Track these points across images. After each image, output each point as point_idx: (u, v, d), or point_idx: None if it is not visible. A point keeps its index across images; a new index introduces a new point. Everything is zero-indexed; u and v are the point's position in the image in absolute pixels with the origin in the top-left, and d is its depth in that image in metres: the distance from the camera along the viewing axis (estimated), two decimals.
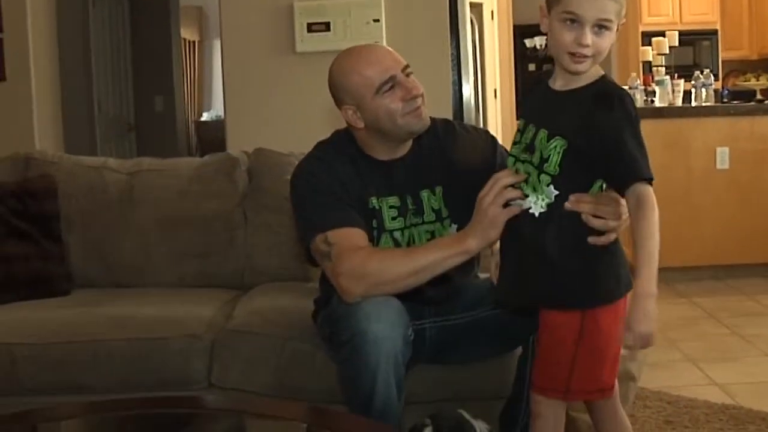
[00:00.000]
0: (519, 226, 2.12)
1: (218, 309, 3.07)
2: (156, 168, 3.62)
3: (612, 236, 2.04)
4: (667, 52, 6.52)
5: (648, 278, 1.91)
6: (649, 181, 1.96)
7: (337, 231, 2.36)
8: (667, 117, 5.70)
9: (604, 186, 2.06)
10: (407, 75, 2.44)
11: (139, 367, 2.79)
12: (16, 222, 3.37)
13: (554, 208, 2.04)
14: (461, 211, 2.49)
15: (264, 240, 3.46)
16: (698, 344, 4.33)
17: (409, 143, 2.53)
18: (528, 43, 12.02)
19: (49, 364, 2.80)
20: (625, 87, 6.71)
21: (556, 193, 2.03)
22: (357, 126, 2.47)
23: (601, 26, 1.96)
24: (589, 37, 1.95)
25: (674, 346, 4.29)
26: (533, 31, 12.29)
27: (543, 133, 2.05)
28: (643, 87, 6.33)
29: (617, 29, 2.00)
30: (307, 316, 2.75)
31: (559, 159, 2.02)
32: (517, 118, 2.26)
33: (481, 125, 6.67)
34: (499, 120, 9.08)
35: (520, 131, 2.14)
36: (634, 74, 6.72)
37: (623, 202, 2.02)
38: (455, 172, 2.52)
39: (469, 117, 5.54)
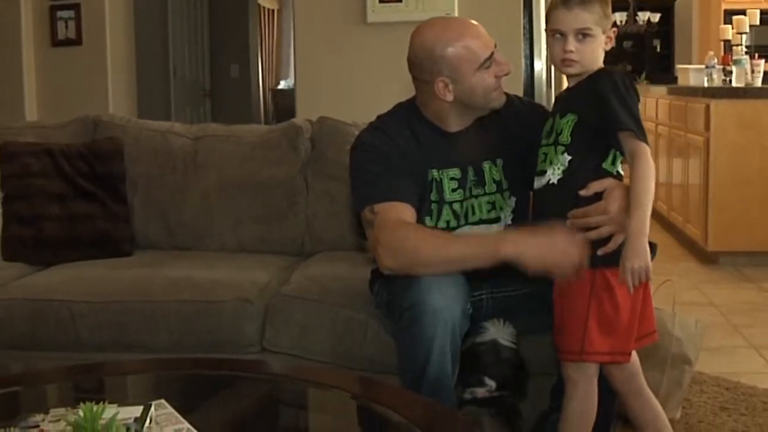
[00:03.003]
0: (542, 200, 2.36)
1: (275, 274, 3.11)
2: (221, 133, 3.66)
3: (603, 231, 2.22)
4: (747, 30, 6.35)
5: (637, 218, 2.15)
6: (637, 136, 2.19)
7: (385, 204, 2.37)
8: (742, 98, 5.55)
9: (617, 160, 2.28)
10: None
11: (193, 328, 2.84)
12: (83, 183, 3.45)
13: (568, 174, 2.27)
14: (519, 183, 2.55)
15: (324, 208, 3.48)
16: (763, 331, 4.22)
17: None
18: None
19: (107, 322, 2.87)
20: (702, 66, 6.60)
21: (569, 158, 2.27)
22: (445, 99, 2.44)
23: (583, 35, 2.25)
24: (571, 45, 2.25)
25: (737, 331, 4.21)
26: (614, 6, 12.13)
27: (558, 116, 2.33)
28: (720, 66, 6.18)
29: (608, 34, 2.29)
30: (363, 285, 2.76)
31: (570, 130, 2.27)
32: None
33: (552, 101, 6.58)
34: None
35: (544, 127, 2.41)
36: (711, 53, 6.56)
37: (611, 207, 2.21)
38: (514, 145, 2.53)
39: (540, 92, 5.46)
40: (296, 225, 3.49)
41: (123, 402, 1.71)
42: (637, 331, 2.26)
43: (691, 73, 6.75)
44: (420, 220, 2.44)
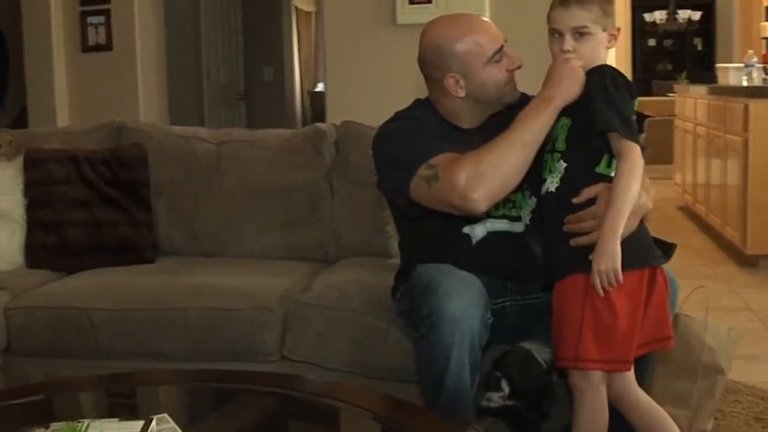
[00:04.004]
0: (543, 209, 2.34)
1: (296, 281, 3.07)
2: (245, 139, 3.63)
3: (594, 235, 2.17)
4: None
5: (611, 219, 2.12)
6: (623, 135, 2.15)
7: (438, 156, 2.31)
8: None
9: (612, 163, 2.22)
10: None
11: (212, 336, 2.82)
12: (106, 189, 3.44)
13: (565, 180, 2.25)
14: (536, 181, 2.49)
15: (348, 213, 3.43)
16: None
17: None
18: (648, 17, 11.70)
19: (126, 330, 2.86)
20: (741, 65, 6.45)
21: (565, 165, 2.25)
22: (457, 95, 2.44)
23: (580, 33, 2.22)
24: (568, 44, 2.23)
25: None
26: (654, 4, 11.96)
27: (555, 121, 2.27)
28: (761, 65, 6.05)
29: (610, 32, 2.27)
30: (385, 292, 2.71)
31: (565, 135, 2.26)
32: None
33: None
34: None
35: None
36: (750, 51, 6.43)
37: (602, 212, 2.16)
38: None
39: None
40: (320, 230, 3.44)
41: (139, 415, 1.69)
42: (649, 336, 2.21)
43: (731, 72, 6.62)
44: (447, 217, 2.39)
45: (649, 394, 2.62)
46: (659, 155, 10.18)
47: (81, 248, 3.35)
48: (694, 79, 9.29)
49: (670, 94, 8.94)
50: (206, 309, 2.84)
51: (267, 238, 3.45)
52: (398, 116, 2.56)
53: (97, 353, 2.88)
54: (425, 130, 2.42)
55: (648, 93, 12.30)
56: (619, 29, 2.30)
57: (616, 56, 8.76)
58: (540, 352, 2.31)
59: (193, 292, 2.93)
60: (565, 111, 2.25)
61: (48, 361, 2.92)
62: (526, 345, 2.34)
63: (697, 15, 11.86)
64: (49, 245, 3.35)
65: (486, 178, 2.21)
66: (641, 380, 2.38)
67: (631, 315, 2.16)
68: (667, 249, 2.30)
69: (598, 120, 2.16)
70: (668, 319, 2.27)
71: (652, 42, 12.96)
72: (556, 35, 2.26)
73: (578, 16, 2.21)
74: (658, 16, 11.64)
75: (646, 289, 2.19)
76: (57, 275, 3.25)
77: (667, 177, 8.39)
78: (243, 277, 3.07)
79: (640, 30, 12.46)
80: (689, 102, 7.24)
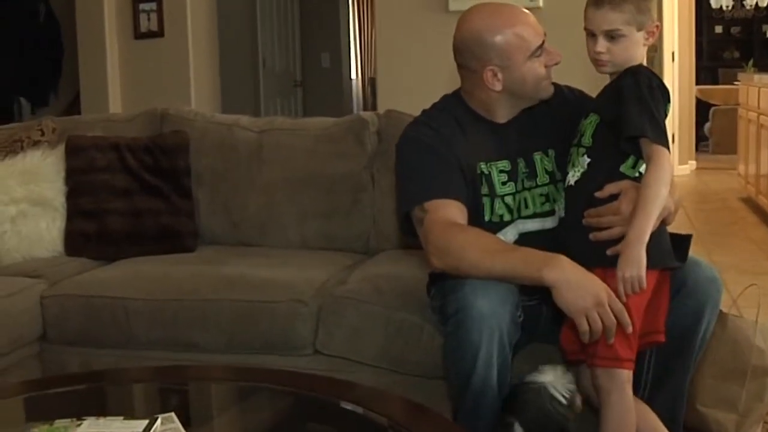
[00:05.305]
0: (564, 202, 2.32)
1: (333, 274, 3.02)
2: (287, 127, 3.58)
3: (614, 231, 2.17)
4: None
5: (638, 225, 2.09)
6: (652, 140, 2.11)
7: (435, 201, 2.29)
8: None
9: (638, 164, 2.19)
10: None
11: (245, 329, 2.79)
12: (147, 177, 3.43)
13: (587, 176, 2.24)
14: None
15: (391, 204, 3.36)
16: None
17: None
18: (714, 3, 11.41)
19: (160, 320, 2.84)
20: None
21: (588, 161, 2.24)
22: (493, 88, 2.35)
23: (612, 36, 2.18)
24: (600, 45, 2.20)
25: None
26: None
27: (584, 116, 2.29)
28: None
29: (647, 29, 2.20)
30: (421, 286, 2.64)
31: (592, 132, 2.24)
32: None
33: None
34: (676, 84, 8.68)
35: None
36: None
37: (624, 208, 2.16)
38: (566, 135, 2.41)
39: None
40: (361, 221, 3.39)
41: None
42: (647, 327, 2.19)
43: None
44: (475, 216, 2.35)
45: (695, 396, 2.55)
46: (725, 145, 9.96)
47: (121, 237, 3.35)
48: (762, 68, 9.06)
49: (736, 83, 8.73)
50: (240, 301, 2.80)
51: (307, 228, 3.41)
52: (421, 119, 2.49)
53: (131, 343, 2.87)
54: (436, 157, 2.36)
55: (714, 81, 12.05)
56: (658, 26, 2.24)
57: (680, 44, 8.55)
58: (556, 383, 2.16)
59: (229, 283, 2.89)
60: (595, 108, 2.25)
61: (83, 350, 2.92)
62: (541, 378, 2.15)
63: (765, 1, 11.53)
64: (89, 233, 3.35)
65: (448, 255, 2.21)
66: (682, 373, 2.35)
67: (641, 313, 2.16)
68: (682, 242, 2.27)
69: (630, 125, 2.12)
70: (665, 312, 2.23)
71: (718, 29, 12.69)
72: (590, 36, 2.23)
73: (609, 18, 2.17)
74: (725, 2, 11.34)
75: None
76: (96, 264, 3.25)
77: (732, 167, 8.18)
78: (280, 269, 3.03)
79: (706, 17, 12.20)
80: (753, 91, 7.04)
